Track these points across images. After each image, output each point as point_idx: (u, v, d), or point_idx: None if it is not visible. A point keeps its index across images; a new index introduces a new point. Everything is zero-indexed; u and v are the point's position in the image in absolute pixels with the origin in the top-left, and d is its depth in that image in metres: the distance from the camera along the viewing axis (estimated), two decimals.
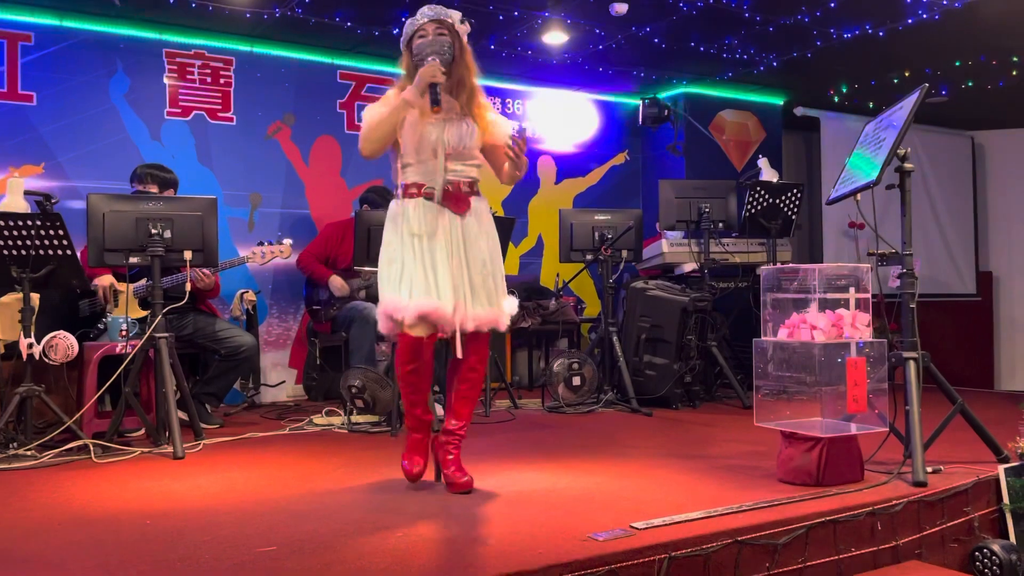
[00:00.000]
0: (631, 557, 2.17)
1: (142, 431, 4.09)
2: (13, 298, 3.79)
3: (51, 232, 3.62)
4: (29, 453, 3.55)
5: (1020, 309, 8.05)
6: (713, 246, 5.71)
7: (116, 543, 2.34)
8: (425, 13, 2.92)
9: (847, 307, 3.04)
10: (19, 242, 3.60)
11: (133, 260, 3.86)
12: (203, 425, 4.14)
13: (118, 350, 3.98)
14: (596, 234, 5.28)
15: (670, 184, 5.75)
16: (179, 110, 5.63)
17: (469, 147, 2.91)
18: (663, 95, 7.29)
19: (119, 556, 2.22)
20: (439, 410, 3.90)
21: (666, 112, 7.13)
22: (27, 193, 4.06)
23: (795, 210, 5.62)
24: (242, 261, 4.57)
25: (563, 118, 7.14)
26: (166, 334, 3.81)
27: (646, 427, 4.38)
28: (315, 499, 2.83)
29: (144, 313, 4.17)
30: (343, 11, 5.36)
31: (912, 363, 3.15)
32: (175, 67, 5.62)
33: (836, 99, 7.36)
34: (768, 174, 6.09)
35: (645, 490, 2.89)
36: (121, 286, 4.27)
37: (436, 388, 4.48)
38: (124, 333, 4.04)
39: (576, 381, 5.07)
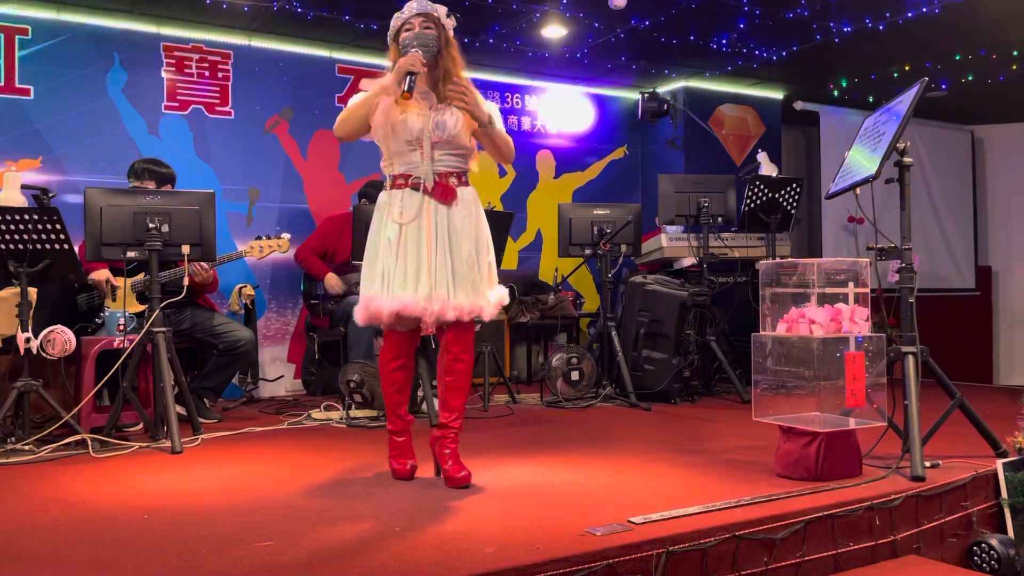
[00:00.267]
0: (629, 552, 2.17)
1: (140, 426, 4.08)
2: (10, 292, 3.78)
3: (48, 226, 3.61)
4: (27, 448, 3.54)
5: (1019, 304, 8.04)
6: (712, 240, 5.70)
7: (113, 538, 2.33)
8: (412, 7, 2.94)
9: (846, 301, 3.04)
10: (16, 236, 3.59)
11: (131, 254, 3.85)
12: (201, 420, 4.14)
13: (116, 344, 3.98)
14: (595, 228, 5.26)
15: (669, 178, 5.74)
16: (177, 104, 5.61)
17: (455, 136, 2.90)
18: (662, 89, 7.27)
19: (116, 551, 2.21)
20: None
21: (665, 106, 7.13)
22: (24, 187, 4.05)
23: (794, 204, 5.61)
24: (240, 255, 4.56)
25: (562, 112, 7.13)
26: (164, 328, 3.80)
27: (644, 422, 4.38)
28: (313, 494, 2.83)
29: (142, 307, 4.17)
30: (341, 5, 5.34)
31: (911, 358, 3.15)
32: (173, 61, 5.61)
33: (836, 93, 7.34)
34: (767, 168, 6.08)
35: (643, 485, 2.89)
36: (118, 280, 4.26)
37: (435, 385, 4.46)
38: (122, 327, 4.04)
39: (575, 376, 5.06)
